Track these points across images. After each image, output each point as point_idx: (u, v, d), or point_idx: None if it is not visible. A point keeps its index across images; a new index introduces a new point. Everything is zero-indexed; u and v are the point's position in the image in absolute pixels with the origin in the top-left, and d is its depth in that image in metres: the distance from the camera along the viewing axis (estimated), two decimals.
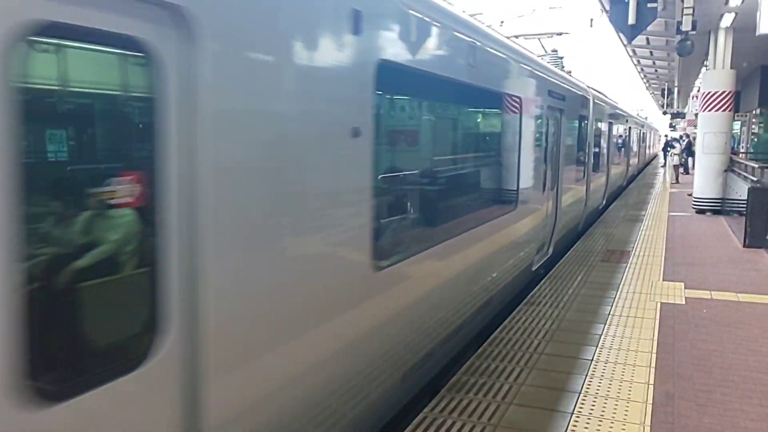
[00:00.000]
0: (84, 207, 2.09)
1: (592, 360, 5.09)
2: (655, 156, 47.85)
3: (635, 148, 26.20)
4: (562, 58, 14.78)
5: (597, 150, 13.36)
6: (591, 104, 12.14)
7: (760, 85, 19.81)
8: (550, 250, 8.65)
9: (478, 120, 6.67)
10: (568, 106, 9.35)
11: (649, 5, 8.73)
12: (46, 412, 1.82)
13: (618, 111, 18.53)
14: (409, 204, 4.58)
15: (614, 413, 4.13)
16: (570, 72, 13.44)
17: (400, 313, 3.91)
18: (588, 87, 12.67)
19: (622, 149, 20.18)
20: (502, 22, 14.06)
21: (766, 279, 8.05)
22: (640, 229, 12.06)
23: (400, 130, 4.59)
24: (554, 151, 8.63)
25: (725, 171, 14.10)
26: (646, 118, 48.07)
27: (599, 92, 15.31)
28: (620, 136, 19.40)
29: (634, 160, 25.10)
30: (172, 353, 2.17)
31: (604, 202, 15.08)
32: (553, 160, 8.60)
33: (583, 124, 11.44)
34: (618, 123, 18.07)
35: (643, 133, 32.57)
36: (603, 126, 14.39)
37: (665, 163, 35.13)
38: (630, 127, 22.08)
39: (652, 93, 45.51)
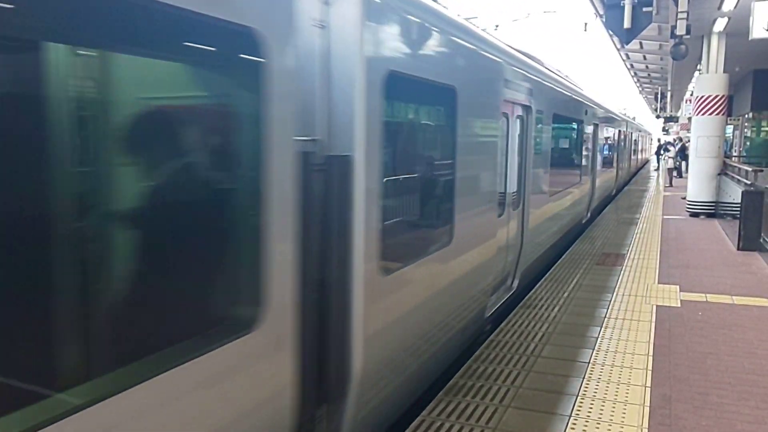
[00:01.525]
0: None
1: (588, 363, 5.09)
2: (646, 163, 43.46)
3: (614, 159, 18.63)
4: None
5: (493, 175, 5.84)
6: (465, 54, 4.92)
7: (752, 89, 20.00)
8: None
9: None
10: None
11: (644, 9, 8.79)
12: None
13: (573, 96, 10.54)
14: None
15: (612, 416, 4.14)
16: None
17: None
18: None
19: (586, 163, 12.50)
20: (497, 26, 14.10)
21: (761, 282, 8.09)
22: (634, 232, 12.11)
23: None
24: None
25: (719, 174, 14.18)
26: (634, 118, 39.73)
27: (514, 49, 7.15)
28: (578, 142, 11.53)
29: (606, 178, 16.52)
30: None
31: (514, 282, 7.23)
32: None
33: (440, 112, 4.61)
34: (572, 120, 10.52)
35: (627, 137, 23.69)
36: (519, 119, 6.97)
37: (659, 167, 35.36)
38: (597, 126, 13.86)
39: (645, 97, 45.79)
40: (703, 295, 7.35)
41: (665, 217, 14.57)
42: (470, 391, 4.48)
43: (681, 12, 9.63)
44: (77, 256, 1.92)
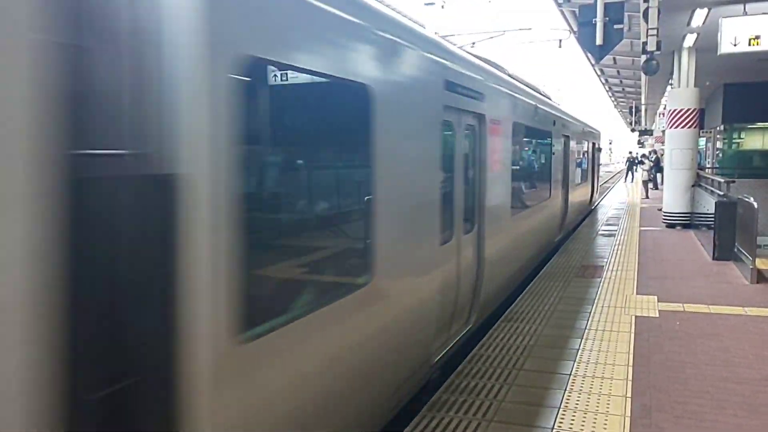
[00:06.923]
0: None
1: (570, 375, 5.13)
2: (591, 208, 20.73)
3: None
4: None
5: None
6: None
7: (723, 102, 20.49)
8: None
9: None
10: None
11: (615, 27, 8.98)
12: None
13: None
14: None
15: (594, 427, 4.16)
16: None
17: None
18: None
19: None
20: (473, 43, 14.30)
21: (736, 291, 8.23)
22: (612, 244, 12.26)
23: None
24: None
25: (693, 186, 14.45)
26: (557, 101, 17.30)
27: None
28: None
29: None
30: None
31: None
32: None
33: None
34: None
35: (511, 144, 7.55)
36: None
37: (627, 179, 36.05)
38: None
39: (621, 111, 46.64)
40: (681, 305, 7.46)
41: (642, 228, 14.78)
42: (453, 407, 4.48)
43: (651, 29, 9.85)
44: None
